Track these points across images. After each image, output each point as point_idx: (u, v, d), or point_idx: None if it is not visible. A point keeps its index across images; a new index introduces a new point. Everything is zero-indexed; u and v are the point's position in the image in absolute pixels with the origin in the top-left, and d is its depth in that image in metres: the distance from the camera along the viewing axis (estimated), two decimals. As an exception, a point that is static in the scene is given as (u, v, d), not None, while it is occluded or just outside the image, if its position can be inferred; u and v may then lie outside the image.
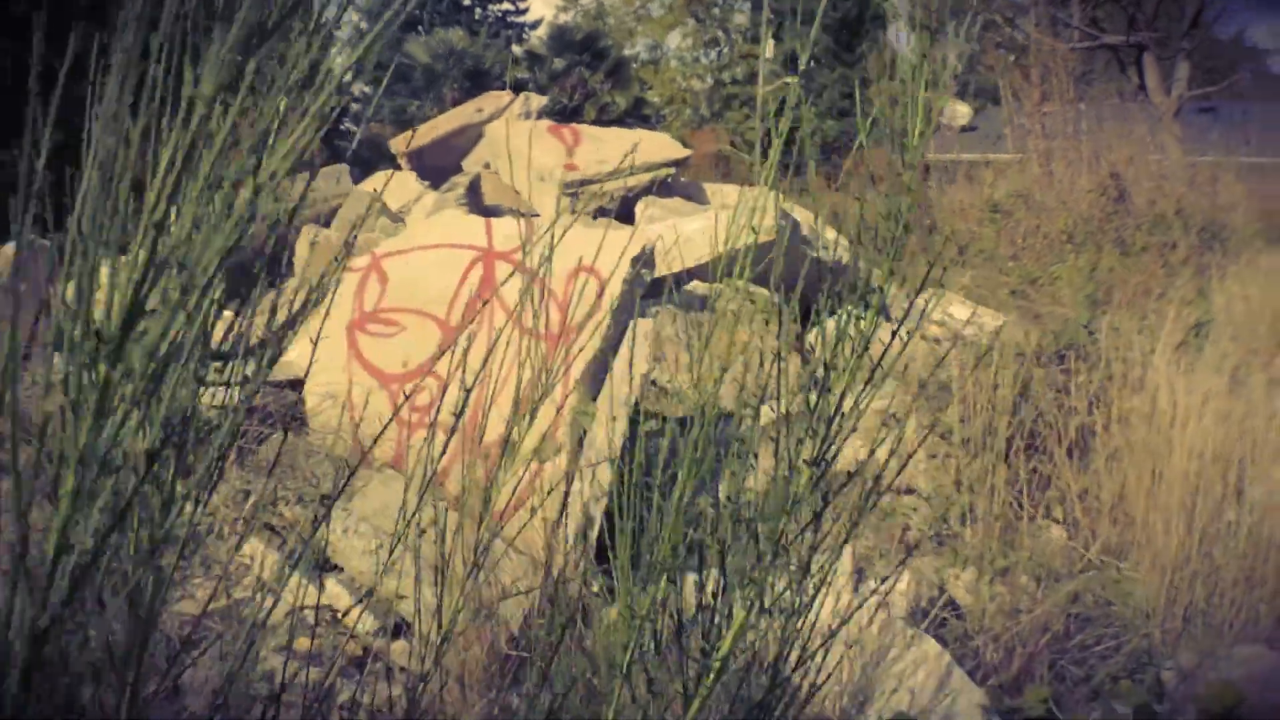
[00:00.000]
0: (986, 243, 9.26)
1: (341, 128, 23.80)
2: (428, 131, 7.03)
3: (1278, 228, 7.13)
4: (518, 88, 25.11)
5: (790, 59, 31.12)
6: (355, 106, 25.98)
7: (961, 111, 19.84)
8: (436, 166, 6.84)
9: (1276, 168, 9.72)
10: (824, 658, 1.49)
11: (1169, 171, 8.14)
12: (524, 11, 29.45)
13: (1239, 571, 3.22)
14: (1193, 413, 3.61)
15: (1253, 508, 3.28)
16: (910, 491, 3.97)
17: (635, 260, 4.26)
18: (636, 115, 22.26)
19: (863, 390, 1.34)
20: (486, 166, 6.66)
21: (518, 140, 6.44)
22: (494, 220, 4.61)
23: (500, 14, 29.12)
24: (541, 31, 27.78)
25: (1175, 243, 7.04)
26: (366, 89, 26.91)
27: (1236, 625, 3.09)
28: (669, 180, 6.42)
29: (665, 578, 1.25)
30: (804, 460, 1.23)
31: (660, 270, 4.72)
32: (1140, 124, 9.01)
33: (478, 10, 28.69)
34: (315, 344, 1.71)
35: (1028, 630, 2.86)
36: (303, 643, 3.33)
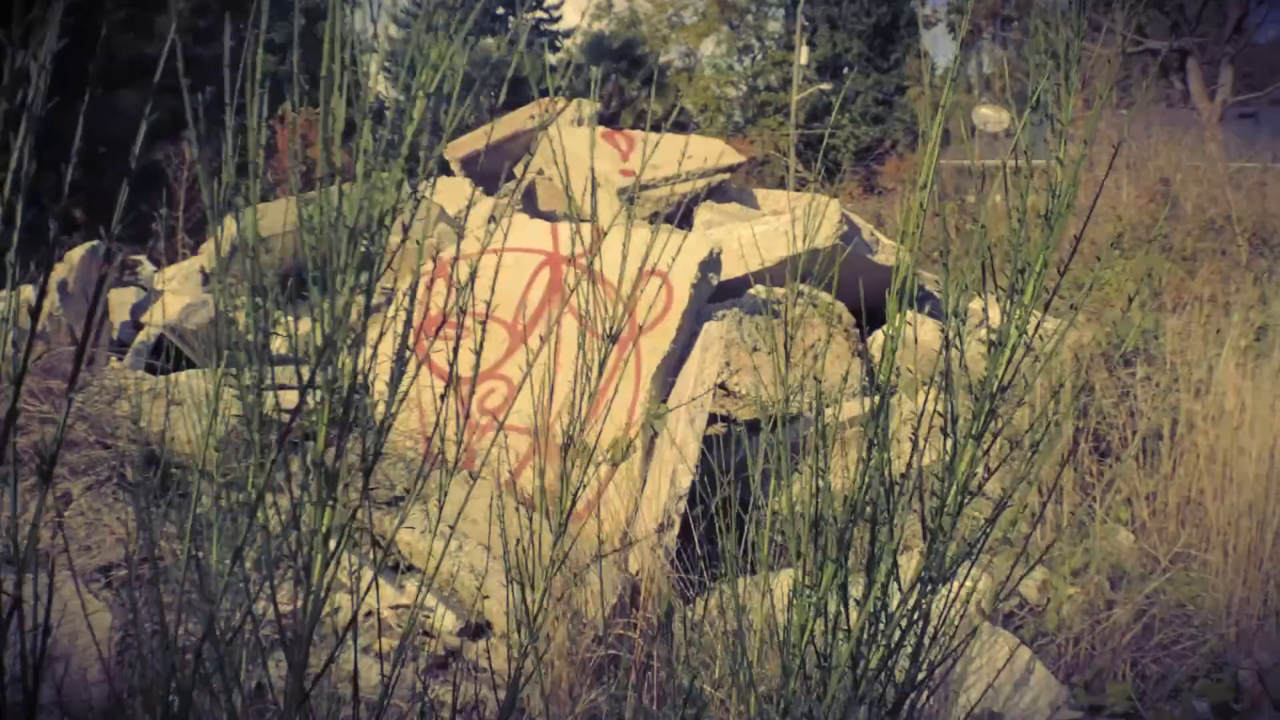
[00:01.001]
0: (1030, 250, 9.28)
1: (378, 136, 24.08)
2: (480, 138, 7.12)
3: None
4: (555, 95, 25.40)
5: (823, 65, 31.22)
6: (389, 115, 26.32)
7: (995, 118, 19.80)
8: (489, 172, 6.93)
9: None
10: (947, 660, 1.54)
11: (1217, 178, 8.12)
12: (558, 19, 29.65)
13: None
14: (1260, 415, 3.64)
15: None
16: (972, 493, 3.99)
17: (702, 265, 4.32)
18: (674, 122, 22.29)
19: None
20: (540, 173, 6.74)
21: (572, 146, 6.50)
22: (559, 224, 4.68)
23: (534, 22, 29.33)
24: (577, 39, 27.99)
25: (1225, 249, 7.04)
26: (400, 97, 27.23)
27: (1313, 624, 3.12)
28: (722, 185, 6.48)
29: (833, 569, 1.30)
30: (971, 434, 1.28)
31: (725, 274, 4.78)
32: (1185, 130, 9.00)
33: (510, 18, 28.92)
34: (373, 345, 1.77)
35: (1107, 629, 2.90)
36: (385, 643, 3.41)
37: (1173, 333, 4.09)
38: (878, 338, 5.16)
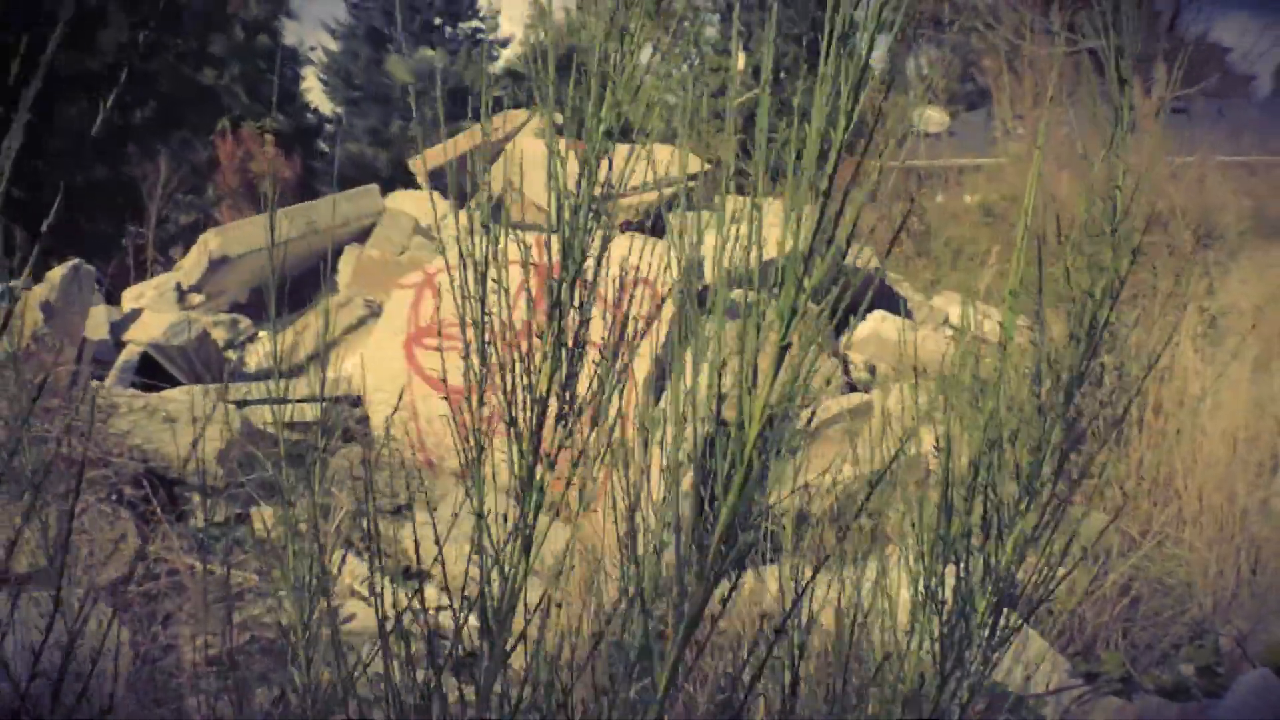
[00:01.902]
0: (980, 245, 9.52)
1: (323, 149, 23.90)
2: (446, 150, 7.20)
3: (1267, 224, 7.42)
4: (497, 106, 25.32)
5: (760, 71, 31.38)
6: (329, 128, 26.10)
7: (936, 118, 20.17)
8: (455, 184, 7.01)
9: (1255, 165, 10.06)
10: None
11: (1157, 173, 8.41)
12: (495, 29, 29.65)
13: (1278, 544, 3.45)
14: (1223, 399, 3.85)
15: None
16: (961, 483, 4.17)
17: (687, 271, 4.45)
18: (620, 130, 22.42)
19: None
20: (508, 183, 6.83)
21: (540, 157, 6.61)
22: (542, 235, 4.79)
23: (470, 31, 29.26)
24: (517, 49, 28.01)
25: (1170, 243, 7.31)
26: (339, 110, 27.00)
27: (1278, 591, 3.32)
28: (689, 193, 6.62)
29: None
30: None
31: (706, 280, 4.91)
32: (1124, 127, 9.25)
33: (448, 29, 28.83)
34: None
35: (1098, 603, 3.08)
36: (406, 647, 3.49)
37: (1133, 323, 4.30)
38: (853, 337, 5.34)
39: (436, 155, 7.36)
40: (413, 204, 6.60)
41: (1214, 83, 13.31)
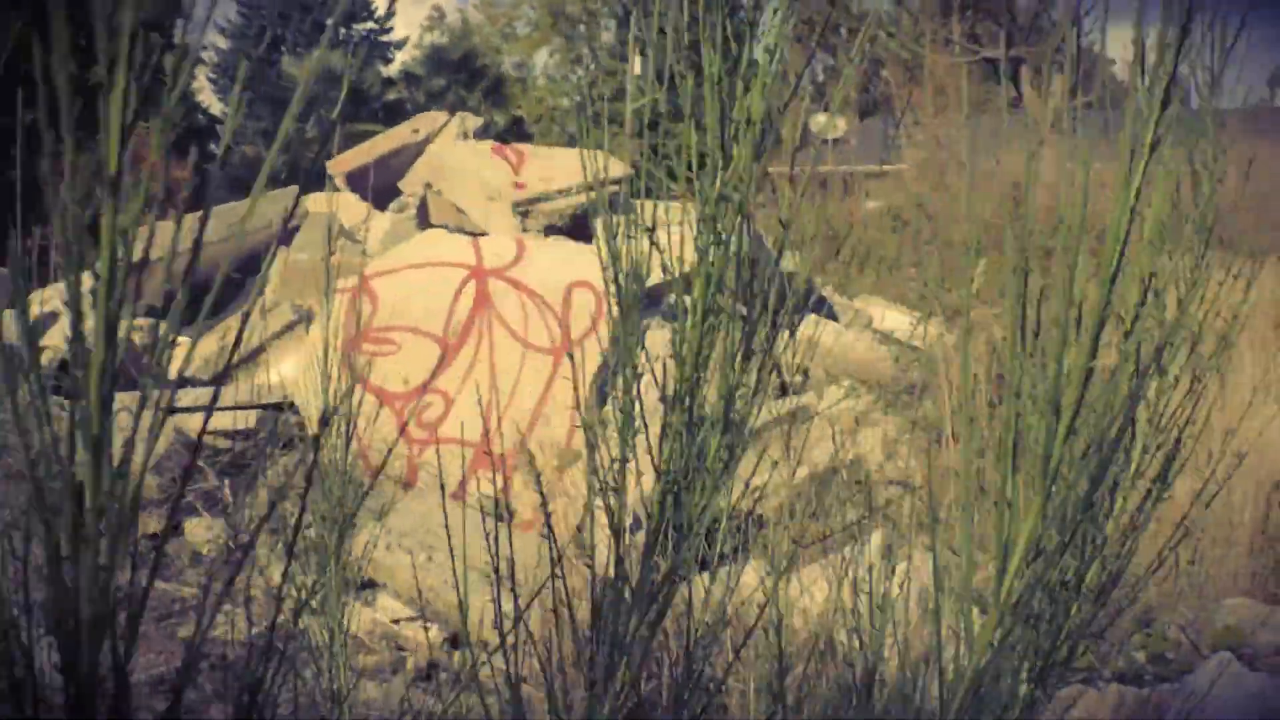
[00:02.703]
0: (889, 250, 9.73)
1: (214, 150, 23.25)
2: (365, 153, 7.08)
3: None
4: (393, 108, 24.81)
5: (657, 75, 31.65)
6: (219, 129, 25.42)
7: (833, 125, 20.54)
8: (376, 187, 6.89)
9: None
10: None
11: (1054, 180, 8.67)
12: (389, 30, 29.21)
13: (1214, 534, 3.60)
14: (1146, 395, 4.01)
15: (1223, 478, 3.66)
16: (901, 484, 4.26)
17: (628, 274, 4.45)
18: (517, 133, 22.42)
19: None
20: (429, 187, 6.75)
21: (461, 160, 6.55)
22: (482, 239, 4.74)
23: (365, 33, 28.83)
24: (413, 52, 27.70)
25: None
26: (229, 111, 26.30)
27: (1219, 582, 3.46)
28: (611, 198, 6.62)
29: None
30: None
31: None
32: (1023, 134, 9.60)
33: (341, 30, 28.36)
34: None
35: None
36: (364, 659, 3.42)
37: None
38: (783, 342, 5.39)
39: (352, 158, 7.23)
40: (329, 206, 6.46)
41: (1102, 94, 13.81)
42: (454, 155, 6.69)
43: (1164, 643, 3.12)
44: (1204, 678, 2.55)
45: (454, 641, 3.38)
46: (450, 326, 4.45)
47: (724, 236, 1.46)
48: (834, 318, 6.18)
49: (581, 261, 4.51)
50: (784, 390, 5.12)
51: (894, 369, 5.05)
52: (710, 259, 1.36)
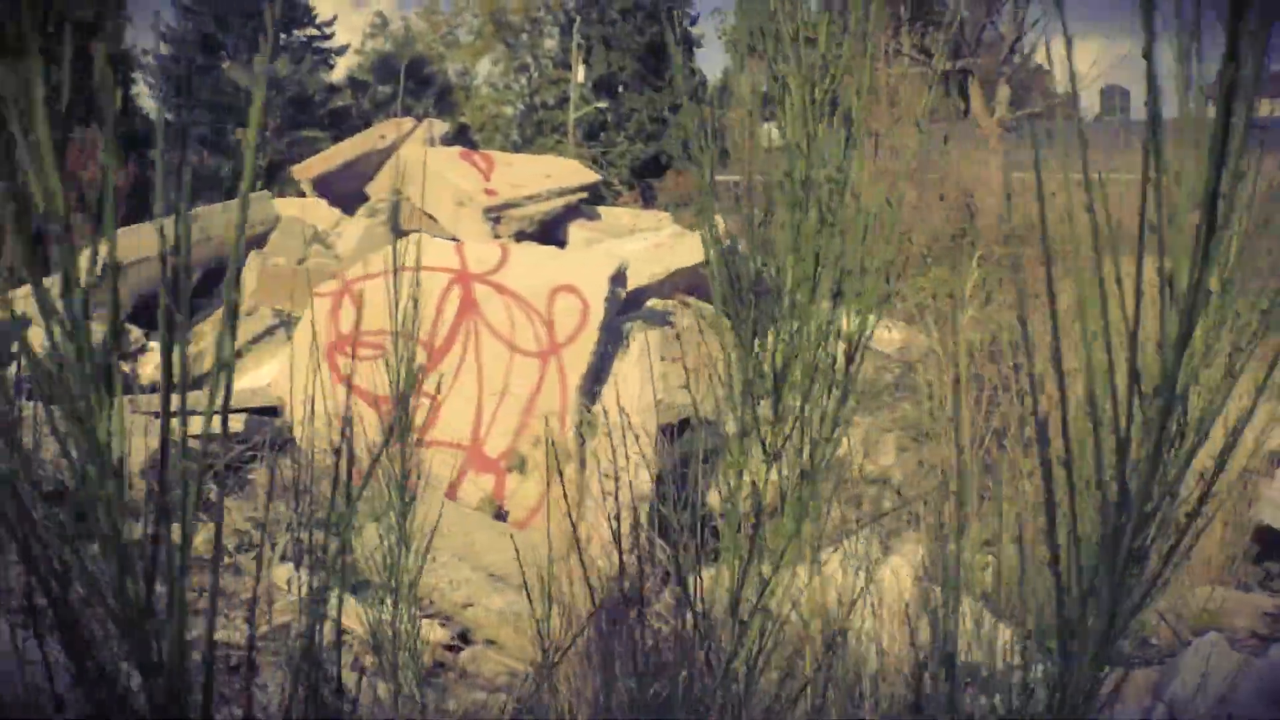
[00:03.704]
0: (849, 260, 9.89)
1: (150, 157, 22.88)
2: (331, 158, 7.07)
3: (1118, 237, 7.94)
4: (339, 115, 24.54)
5: (599, 84, 31.90)
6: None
7: (778, 135, 20.77)
8: (343, 192, 6.90)
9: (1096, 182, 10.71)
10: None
11: (1004, 188, 8.94)
12: (330, 37, 28.94)
13: (1176, 523, 3.77)
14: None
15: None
16: (882, 481, 4.38)
17: (612, 279, 4.53)
18: (464, 140, 22.34)
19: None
20: (396, 192, 6.76)
21: (430, 166, 6.58)
22: (465, 244, 4.78)
23: (306, 39, 28.53)
24: (356, 59, 27.52)
25: (1023, 253, 7.80)
26: (169, 116, 25.92)
27: (1193, 570, 3.62)
28: (579, 204, 6.70)
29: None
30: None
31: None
32: (972, 145, 9.86)
33: (283, 35, 28.06)
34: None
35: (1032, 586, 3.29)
36: (370, 660, 3.44)
37: (1039, 327, 4.59)
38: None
39: (319, 163, 7.22)
40: (297, 211, 6.45)
41: (1042, 104, 14.17)
42: (421, 161, 6.72)
43: (1145, 628, 3.26)
44: (1196, 657, 2.67)
45: (464, 638, 3.42)
46: (435, 330, 4.49)
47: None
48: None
49: (564, 266, 4.57)
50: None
51: (871, 372, 5.18)
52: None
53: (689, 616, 1.21)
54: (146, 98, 26.01)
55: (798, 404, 1.19)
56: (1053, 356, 1.40)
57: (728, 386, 1.18)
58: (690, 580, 1.20)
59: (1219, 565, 3.65)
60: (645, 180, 25.75)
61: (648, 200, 20.54)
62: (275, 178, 19.13)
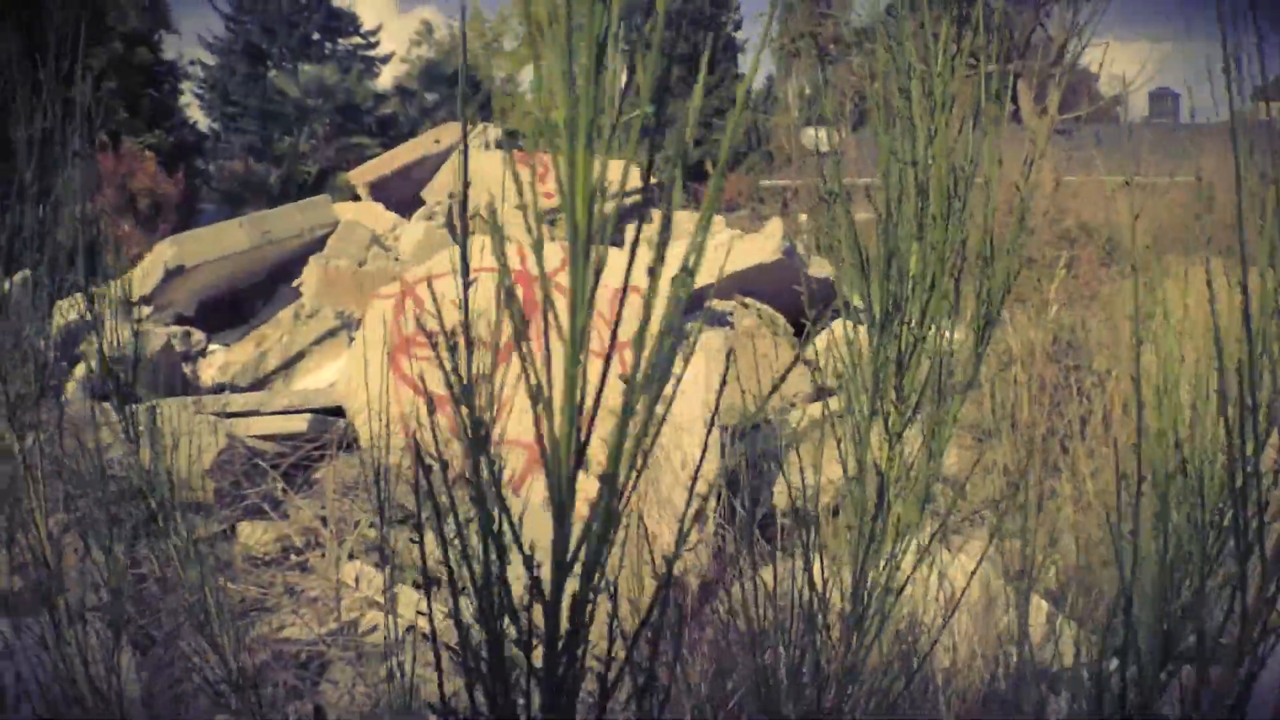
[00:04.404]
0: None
1: (201, 165, 23.24)
2: (387, 162, 7.16)
3: (1165, 241, 7.90)
4: (386, 122, 24.80)
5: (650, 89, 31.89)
6: (208, 144, 25.38)
7: (823, 138, 20.74)
8: (398, 197, 6.99)
9: (1148, 186, 10.64)
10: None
11: (1054, 191, 8.91)
12: (375, 45, 29.25)
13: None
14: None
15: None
16: (943, 479, 4.38)
17: (674, 280, 4.54)
18: (514, 147, 22.49)
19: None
20: (451, 196, 6.84)
21: (486, 169, 6.65)
22: (529, 245, 4.83)
23: (350, 48, 28.85)
24: (402, 66, 27.77)
25: (1076, 255, 7.75)
26: (215, 126, 26.31)
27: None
28: (634, 206, 6.74)
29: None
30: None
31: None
32: (1022, 147, 9.81)
33: (327, 45, 28.40)
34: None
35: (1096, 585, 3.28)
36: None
37: (1098, 327, 4.57)
38: (819, 343, 5.51)
39: (374, 168, 7.31)
40: (354, 215, 6.54)
41: (1091, 107, 14.09)
42: (478, 165, 6.79)
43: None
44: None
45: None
46: (498, 330, 4.53)
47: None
48: (858, 321, 6.29)
49: (626, 267, 4.61)
50: (819, 394, 5.22)
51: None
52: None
53: (807, 592, 1.23)
54: (195, 108, 26.44)
55: (920, 387, 1.21)
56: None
57: (851, 369, 1.20)
58: (814, 560, 1.23)
59: None
60: (691, 185, 25.83)
61: (695, 204, 20.62)
62: (324, 184, 19.38)
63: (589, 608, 0.71)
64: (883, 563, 1.25)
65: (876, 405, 1.22)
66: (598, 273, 0.89)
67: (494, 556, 0.85)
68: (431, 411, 1.75)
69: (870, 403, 1.22)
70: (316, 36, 28.06)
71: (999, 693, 2.99)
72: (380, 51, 28.77)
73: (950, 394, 1.25)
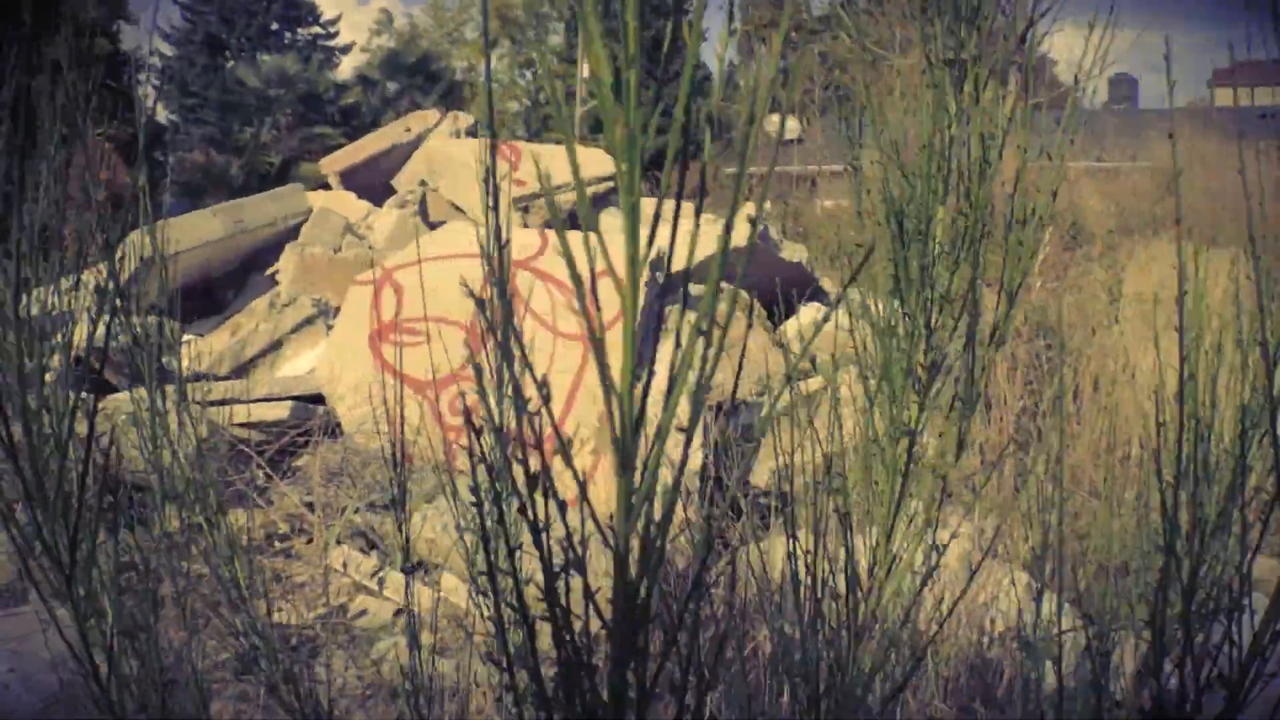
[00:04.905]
0: (864, 243, 9.98)
1: (158, 157, 22.93)
2: (356, 151, 7.14)
3: (1129, 224, 8.07)
4: (349, 112, 24.59)
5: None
6: (167, 137, 25.07)
7: (789, 126, 20.86)
8: (367, 185, 6.97)
9: (1110, 170, 10.83)
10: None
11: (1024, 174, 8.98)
12: (334, 35, 28.97)
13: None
14: (1144, 371, 4.24)
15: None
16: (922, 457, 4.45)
17: (652, 264, 4.58)
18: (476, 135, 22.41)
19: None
20: (423, 183, 6.83)
21: (458, 157, 6.65)
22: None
23: (310, 38, 28.56)
24: (362, 56, 27.57)
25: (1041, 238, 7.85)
26: (174, 117, 25.99)
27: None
28: (605, 194, 6.76)
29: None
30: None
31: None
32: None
33: (286, 35, 28.11)
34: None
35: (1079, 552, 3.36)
36: (427, 637, 3.51)
37: (1068, 309, 4.66)
38: (788, 327, 5.57)
39: (344, 157, 7.29)
40: (325, 203, 6.52)
41: (1046, 94, 14.25)
42: (450, 153, 6.78)
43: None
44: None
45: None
46: (477, 315, 4.55)
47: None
48: (831, 305, 6.37)
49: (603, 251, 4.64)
50: (791, 376, 5.28)
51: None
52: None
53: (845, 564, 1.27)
54: (151, 99, 25.95)
55: (948, 347, 1.26)
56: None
57: (883, 331, 1.24)
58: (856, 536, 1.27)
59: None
60: (651, 172, 25.83)
61: (656, 192, 20.63)
62: (288, 174, 19.22)
63: (660, 550, 0.75)
64: (907, 524, 1.30)
65: (912, 363, 1.27)
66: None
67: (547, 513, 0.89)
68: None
69: (908, 358, 1.26)
70: (275, 26, 27.79)
71: (987, 659, 3.07)
72: (340, 41, 28.54)
73: (983, 350, 1.31)
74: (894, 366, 1.28)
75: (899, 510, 1.28)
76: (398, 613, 3.56)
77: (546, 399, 0.76)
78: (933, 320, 1.27)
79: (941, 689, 2.78)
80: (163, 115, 25.81)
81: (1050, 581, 3.45)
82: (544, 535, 0.90)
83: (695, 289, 5.46)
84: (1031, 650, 3.18)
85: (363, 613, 3.58)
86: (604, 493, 3.07)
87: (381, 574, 3.63)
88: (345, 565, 3.71)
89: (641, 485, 0.96)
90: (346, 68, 27.72)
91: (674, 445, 1.61)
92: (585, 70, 30.54)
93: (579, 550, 0.79)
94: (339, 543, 3.91)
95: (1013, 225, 1.32)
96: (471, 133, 7.44)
